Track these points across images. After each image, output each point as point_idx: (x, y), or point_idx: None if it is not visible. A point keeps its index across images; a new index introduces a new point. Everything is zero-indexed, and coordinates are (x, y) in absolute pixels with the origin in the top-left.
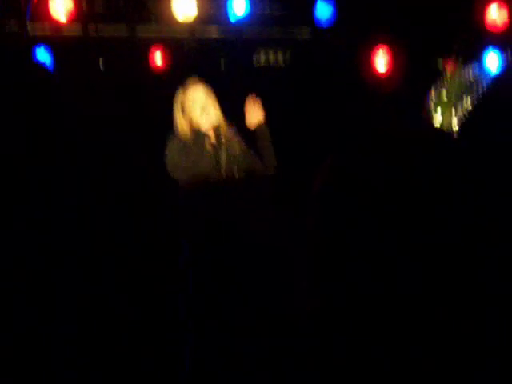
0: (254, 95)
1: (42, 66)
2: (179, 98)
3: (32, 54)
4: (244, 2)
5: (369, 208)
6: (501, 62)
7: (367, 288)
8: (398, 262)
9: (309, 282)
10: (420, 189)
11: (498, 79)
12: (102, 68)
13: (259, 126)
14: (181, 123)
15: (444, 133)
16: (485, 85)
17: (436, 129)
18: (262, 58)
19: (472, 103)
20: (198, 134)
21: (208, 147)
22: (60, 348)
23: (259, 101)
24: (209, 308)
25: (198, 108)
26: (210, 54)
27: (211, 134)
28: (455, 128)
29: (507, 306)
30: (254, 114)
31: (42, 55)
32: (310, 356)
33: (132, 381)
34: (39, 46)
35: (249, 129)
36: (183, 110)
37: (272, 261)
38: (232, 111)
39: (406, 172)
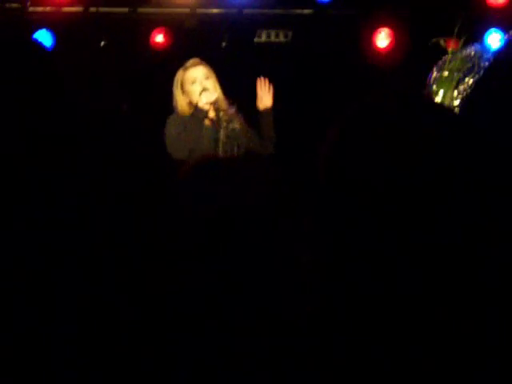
0: (264, 77)
1: (42, 47)
2: (179, 77)
3: (32, 37)
4: None
5: (368, 208)
6: (502, 41)
7: (367, 288)
8: (398, 262)
9: (309, 281)
10: (420, 188)
11: (499, 58)
12: (103, 48)
13: (266, 107)
14: (180, 101)
15: (446, 111)
16: (487, 64)
17: (438, 106)
18: (263, 35)
19: (474, 82)
20: (197, 112)
21: (207, 124)
22: (60, 348)
23: (269, 82)
24: (208, 307)
25: (198, 89)
26: (211, 32)
27: (211, 111)
28: (456, 107)
29: (507, 305)
30: (265, 96)
31: (43, 36)
32: (310, 356)
33: (132, 381)
34: (40, 27)
35: (253, 108)
36: (183, 91)
37: (271, 255)
38: (233, 88)
39: (405, 171)
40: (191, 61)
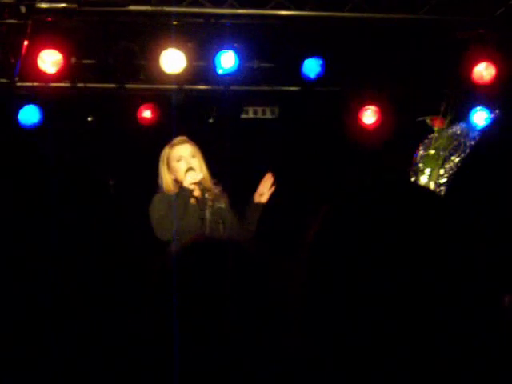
0: (270, 173)
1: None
2: (165, 155)
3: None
4: (232, 56)
5: (363, 261)
6: (488, 120)
7: (356, 340)
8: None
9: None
10: (413, 247)
11: (485, 137)
12: (90, 123)
13: (260, 203)
14: (165, 178)
15: (429, 193)
16: (472, 142)
17: (422, 187)
18: (250, 111)
19: (460, 161)
20: (182, 191)
21: (193, 203)
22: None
23: (273, 179)
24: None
25: (183, 167)
26: (198, 108)
27: (196, 190)
28: (442, 186)
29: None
30: (266, 193)
31: (30, 111)
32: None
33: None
34: (27, 103)
35: (239, 186)
36: (169, 168)
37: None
38: (219, 165)
39: (398, 231)
40: (178, 138)
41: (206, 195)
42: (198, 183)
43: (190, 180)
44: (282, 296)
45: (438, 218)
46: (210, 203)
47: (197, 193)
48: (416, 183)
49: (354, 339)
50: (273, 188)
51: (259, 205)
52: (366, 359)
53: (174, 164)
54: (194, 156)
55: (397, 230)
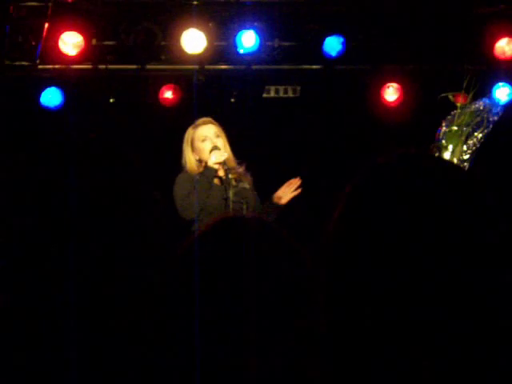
0: (297, 179)
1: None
2: (189, 135)
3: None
4: (253, 35)
5: (380, 264)
6: (511, 95)
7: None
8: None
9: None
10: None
11: (508, 112)
12: (111, 105)
13: (279, 204)
14: (189, 159)
15: (454, 167)
16: (496, 118)
17: (446, 162)
18: (272, 90)
19: (483, 137)
20: (206, 170)
21: (216, 183)
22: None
23: (298, 183)
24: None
25: (208, 147)
26: (220, 88)
27: (220, 170)
28: (466, 162)
29: None
30: (286, 196)
31: (52, 94)
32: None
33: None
34: (49, 85)
35: (260, 166)
36: (193, 148)
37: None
38: (241, 144)
39: (417, 232)
40: (202, 119)
41: (230, 175)
42: (223, 163)
43: (214, 160)
44: (307, 276)
45: (465, 192)
46: (233, 183)
47: (221, 173)
48: (440, 157)
49: (380, 320)
50: (296, 192)
51: (277, 205)
52: (395, 338)
53: (198, 144)
54: (218, 136)
55: (423, 205)
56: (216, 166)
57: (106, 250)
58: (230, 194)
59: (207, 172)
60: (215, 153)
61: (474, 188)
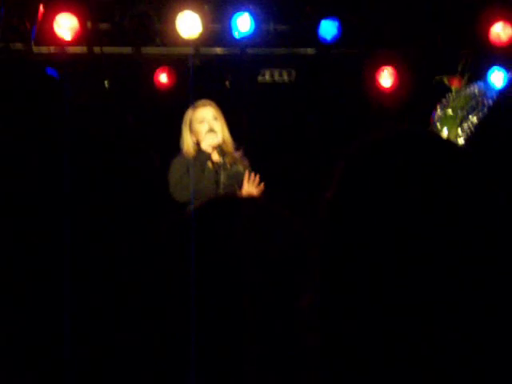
0: (254, 175)
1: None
2: (188, 117)
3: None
4: (248, 19)
5: (375, 245)
6: (506, 79)
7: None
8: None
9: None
10: (430, 225)
11: (503, 96)
12: (107, 88)
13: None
14: (187, 142)
15: (454, 146)
16: (490, 102)
17: (445, 141)
18: (267, 74)
19: (478, 120)
20: (201, 153)
21: (209, 166)
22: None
23: (257, 180)
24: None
25: (205, 129)
26: (215, 71)
27: (214, 154)
28: (460, 145)
29: None
30: (254, 191)
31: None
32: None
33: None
34: (44, 68)
35: (256, 148)
36: (191, 130)
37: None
38: (236, 128)
39: (415, 209)
40: (201, 101)
41: (226, 158)
42: (217, 147)
43: (208, 142)
44: (300, 255)
45: (463, 168)
46: (228, 166)
47: (215, 157)
48: (438, 135)
49: (377, 303)
50: (260, 188)
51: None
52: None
53: (196, 126)
54: (216, 118)
55: (421, 181)
56: (210, 149)
57: (105, 226)
58: (222, 177)
59: (201, 155)
60: (209, 135)
61: (473, 165)
